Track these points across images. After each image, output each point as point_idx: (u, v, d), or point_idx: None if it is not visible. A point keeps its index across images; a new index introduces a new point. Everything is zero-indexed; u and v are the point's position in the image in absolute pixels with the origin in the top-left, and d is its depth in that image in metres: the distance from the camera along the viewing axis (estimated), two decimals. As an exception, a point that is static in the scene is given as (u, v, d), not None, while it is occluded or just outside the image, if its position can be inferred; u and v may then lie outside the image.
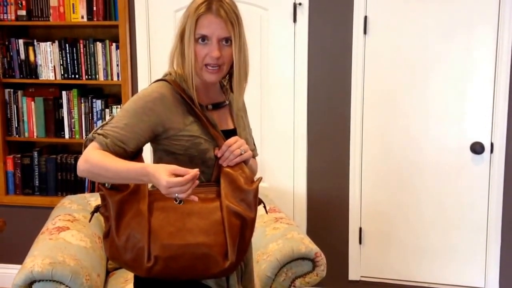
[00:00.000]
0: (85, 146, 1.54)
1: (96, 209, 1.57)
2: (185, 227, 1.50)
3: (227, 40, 1.59)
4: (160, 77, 1.68)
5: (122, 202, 1.51)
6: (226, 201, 1.54)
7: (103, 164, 1.47)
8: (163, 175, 1.39)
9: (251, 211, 1.56)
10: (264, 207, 1.68)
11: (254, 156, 1.81)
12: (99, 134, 1.53)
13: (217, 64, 1.59)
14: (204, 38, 1.57)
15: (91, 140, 1.53)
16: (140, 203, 1.51)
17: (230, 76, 1.70)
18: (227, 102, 1.72)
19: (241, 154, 1.60)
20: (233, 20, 1.58)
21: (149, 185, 1.57)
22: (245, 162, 1.63)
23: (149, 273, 1.49)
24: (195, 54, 1.58)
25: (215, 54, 1.57)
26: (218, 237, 1.51)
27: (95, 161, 1.48)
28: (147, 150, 1.67)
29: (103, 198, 1.54)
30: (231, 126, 1.72)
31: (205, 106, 1.65)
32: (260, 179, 1.62)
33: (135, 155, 1.58)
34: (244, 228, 1.54)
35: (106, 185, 1.53)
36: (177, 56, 1.63)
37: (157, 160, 1.65)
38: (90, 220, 1.68)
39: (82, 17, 3.24)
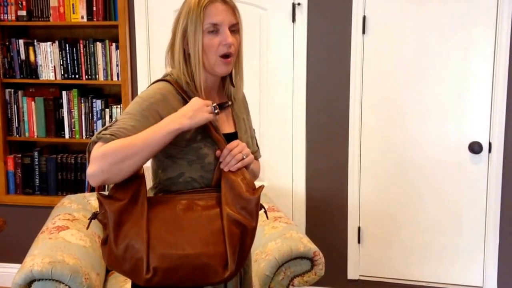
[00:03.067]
0: (89, 151, 1.46)
1: (94, 216, 1.52)
2: (185, 237, 1.46)
3: (234, 28, 1.58)
4: (159, 77, 1.64)
5: (121, 211, 1.46)
6: (227, 209, 1.49)
7: (127, 142, 1.41)
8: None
9: (252, 219, 1.51)
10: (265, 212, 1.63)
11: (256, 158, 1.78)
12: (105, 134, 1.46)
13: (230, 53, 1.56)
14: (214, 27, 1.54)
15: (95, 143, 1.45)
16: (139, 212, 1.47)
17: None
18: (229, 103, 1.67)
19: (243, 159, 1.55)
20: (237, 7, 1.60)
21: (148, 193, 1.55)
22: (246, 167, 1.59)
23: (148, 284, 1.46)
24: (206, 47, 1.54)
25: (230, 40, 1.54)
26: (218, 247, 1.47)
27: (117, 146, 1.41)
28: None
29: (101, 204, 1.49)
30: (232, 129, 1.68)
31: None
32: (262, 188, 1.56)
33: None
34: (244, 236, 1.50)
35: (106, 189, 1.50)
36: (179, 55, 1.58)
37: (157, 163, 1.61)
38: (87, 227, 1.64)
39: (82, 17, 3.25)
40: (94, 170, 1.41)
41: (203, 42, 1.54)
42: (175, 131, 1.45)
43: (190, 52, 1.56)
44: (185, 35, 1.57)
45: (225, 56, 1.56)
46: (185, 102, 1.55)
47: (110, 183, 1.45)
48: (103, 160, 1.40)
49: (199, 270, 1.46)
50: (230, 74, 1.67)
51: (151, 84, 1.62)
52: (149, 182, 1.63)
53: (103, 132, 1.46)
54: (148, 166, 1.64)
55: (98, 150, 1.42)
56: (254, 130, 1.81)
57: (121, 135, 1.45)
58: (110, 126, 1.49)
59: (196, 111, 1.46)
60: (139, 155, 1.42)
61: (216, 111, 1.47)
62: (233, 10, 1.58)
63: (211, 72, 1.60)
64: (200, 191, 1.55)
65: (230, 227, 1.48)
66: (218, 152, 1.56)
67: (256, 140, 1.80)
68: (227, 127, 1.67)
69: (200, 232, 1.48)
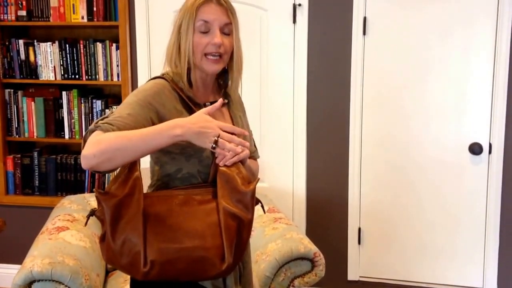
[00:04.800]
0: (85, 141, 1.47)
1: (92, 212, 1.54)
2: (182, 230, 1.48)
3: (227, 29, 1.61)
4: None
5: (118, 206, 1.47)
6: (222, 202, 1.51)
7: (123, 136, 1.42)
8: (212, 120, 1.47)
9: (248, 212, 1.53)
10: (262, 206, 1.65)
11: (255, 158, 1.80)
12: (103, 123, 1.47)
13: (218, 53, 1.59)
14: (205, 26, 1.58)
15: (93, 131, 1.47)
16: (135, 207, 1.48)
17: (223, 72, 1.70)
18: (225, 101, 1.70)
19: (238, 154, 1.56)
20: (232, 9, 1.63)
21: (145, 189, 1.55)
22: (242, 162, 1.59)
23: (146, 277, 1.47)
24: (195, 45, 1.59)
25: (218, 40, 1.57)
26: (215, 240, 1.48)
27: (112, 137, 1.42)
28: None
29: (99, 201, 1.51)
30: None
31: (203, 104, 1.64)
32: (257, 180, 1.58)
33: None
34: (241, 229, 1.52)
35: (108, 181, 1.51)
36: (175, 52, 1.62)
37: (155, 160, 1.64)
38: (85, 224, 1.65)
39: (82, 18, 3.25)
40: (87, 153, 1.43)
41: (194, 39, 1.59)
42: (174, 139, 1.45)
43: (181, 49, 1.61)
44: (179, 33, 1.61)
45: (211, 54, 1.59)
46: (180, 98, 1.60)
47: (100, 169, 1.45)
48: (97, 146, 1.42)
49: (197, 263, 1.47)
50: (227, 74, 1.69)
51: (147, 81, 1.66)
52: (147, 182, 1.63)
53: (101, 121, 1.48)
54: (145, 166, 1.65)
55: (95, 137, 1.44)
56: (251, 131, 1.83)
57: (118, 123, 1.47)
58: (107, 116, 1.51)
59: (202, 134, 1.45)
60: (132, 151, 1.43)
61: (213, 145, 1.45)
62: (227, 11, 1.61)
63: (201, 70, 1.64)
64: (197, 186, 1.57)
65: (226, 220, 1.49)
66: None
67: (253, 141, 1.83)
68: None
69: (197, 225, 1.49)
